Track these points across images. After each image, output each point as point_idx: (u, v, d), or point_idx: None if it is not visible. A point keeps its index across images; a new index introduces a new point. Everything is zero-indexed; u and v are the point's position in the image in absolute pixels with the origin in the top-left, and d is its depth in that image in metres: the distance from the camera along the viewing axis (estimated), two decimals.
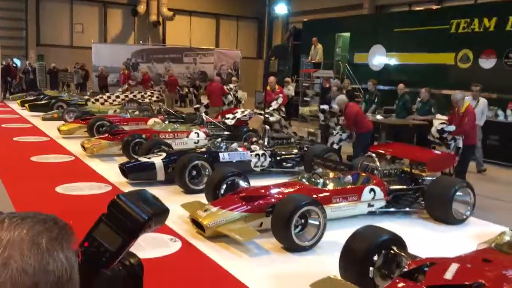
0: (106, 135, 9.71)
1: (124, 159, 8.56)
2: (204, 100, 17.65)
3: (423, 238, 5.61)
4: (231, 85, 14.77)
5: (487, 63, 13.37)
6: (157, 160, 7.52)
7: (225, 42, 29.35)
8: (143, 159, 7.62)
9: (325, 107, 9.98)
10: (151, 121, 11.49)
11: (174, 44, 25.55)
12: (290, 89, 16.93)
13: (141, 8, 25.76)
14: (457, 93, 8.36)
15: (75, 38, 25.72)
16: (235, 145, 8.46)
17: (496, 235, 4.02)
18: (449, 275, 3.38)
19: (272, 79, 12.68)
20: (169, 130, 10.24)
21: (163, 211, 0.91)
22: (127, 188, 6.11)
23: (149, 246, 4.98)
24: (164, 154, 7.71)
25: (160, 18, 26.64)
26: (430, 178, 6.73)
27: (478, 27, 13.53)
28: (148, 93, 16.63)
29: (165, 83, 18.83)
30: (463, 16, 13.86)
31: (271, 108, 11.36)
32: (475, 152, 9.68)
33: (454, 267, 3.46)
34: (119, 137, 9.36)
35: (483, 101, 9.82)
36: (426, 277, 3.39)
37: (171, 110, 13.64)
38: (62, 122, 12.48)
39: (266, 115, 10.70)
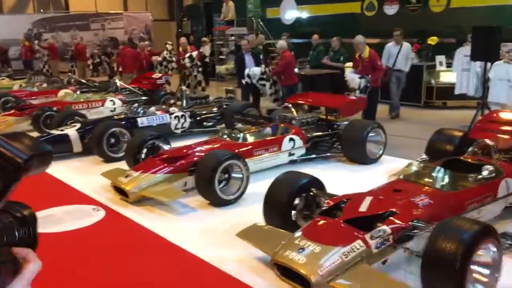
0: (13, 111, 9.11)
1: (36, 135, 8.11)
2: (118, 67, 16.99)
3: (341, 179, 5.91)
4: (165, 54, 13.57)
5: (391, 9, 13.94)
6: (71, 131, 7.22)
7: (133, 5, 28.03)
8: (55, 132, 7.27)
9: (250, 72, 9.90)
10: (61, 93, 10.91)
11: (79, 10, 24.08)
12: (206, 49, 16.71)
13: None
14: (359, 37, 8.73)
15: None
16: (153, 109, 8.29)
17: (403, 167, 4.31)
18: (363, 207, 3.61)
19: (183, 39, 12.42)
20: (81, 100, 9.79)
21: (45, 151, 0.87)
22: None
23: (70, 218, 4.86)
24: (78, 125, 7.41)
25: None
26: (345, 123, 7.02)
27: None
28: None
29: (73, 52, 17.82)
30: None
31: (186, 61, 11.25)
32: (392, 98, 10.20)
33: (368, 200, 3.71)
34: (27, 112, 8.83)
35: (406, 45, 10.10)
36: (343, 212, 3.60)
37: (82, 80, 13.00)
38: None
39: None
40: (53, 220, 4.73)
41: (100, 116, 8.81)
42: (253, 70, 9.94)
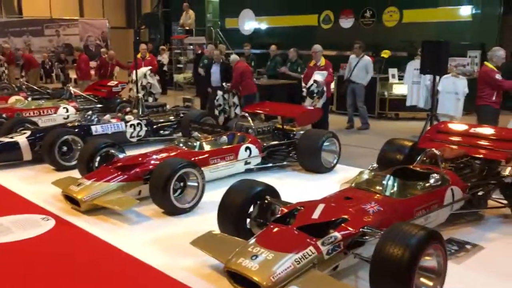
0: None
1: None
2: (73, 74, 16.63)
3: (296, 187, 6.00)
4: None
5: (346, 23, 14.32)
6: (21, 139, 6.98)
7: (90, 11, 27.51)
8: (5, 139, 7.01)
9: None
10: (12, 99, 10.52)
11: (33, 15, 23.40)
12: (164, 58, 16.61)
13: None
14: (317, 45, 9.01)
15: None
16: (107, 116, 8.14)
17: (355, 176, 4.42)
18: (316, 214, 3.67)
19: (143, 46, 12.30)
20: (33, 107, 9.49)
21: None
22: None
23: (18, 228, 4.69)
24: (28, 132, 7.18)
25: None
26: (301, 132, 7.13)
27: None
28: None
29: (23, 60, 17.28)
30: None
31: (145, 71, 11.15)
32: (347, 109, 10.42)
33: (320, 207, 3.77)
34: None
35: (365, 58, 10.23)
36: (296, 219, 3.65)
37: (34, 87, 12.61)
38: None
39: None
40: (0, 230, 4.54)
41: (53, 124, 8.57)
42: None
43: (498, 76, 7.11)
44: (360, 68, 10.16)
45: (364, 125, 10.30)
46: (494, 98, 7.16)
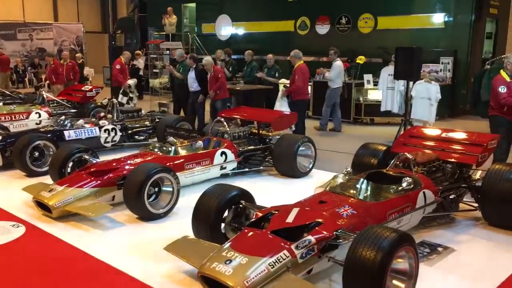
0: None
1: None
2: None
3: (272, 191, 6.02)
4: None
5: (322, 29, 14.46)
6: None
7: (65, 15, 27.18)
8: None
9: None
10: None
11: (5, 19, 22.97)
12: (140, 62, 16.49)
13: None
14: (294, 50, 9.06)
15: None
16: (81, 121, 8.01)
17: (329, 179, 4.45)
18: (290, 218, 3.68)
19: (128, 53, 12.26)
20: (4, 112, 9.29)
21: None
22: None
23: None
24: None
25: None
26: (277, 137, 7.15)
27: None
28: None
29: None
30: None
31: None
32: (334, 113, 10.58)
33: (295, 211, 3.78)
34: None
35: (336, 64, 10.50)
36: (270, 223, 3.65)
37: (6, 91, 12.35)
38: None
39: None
40: None
41: (25, 129, 8.40)
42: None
43: (502, 89, 6.34)
44: (334, 72, 10.45)
45: (321, 125, 10.67)
46: (505, 108, 6.37)
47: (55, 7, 27.26)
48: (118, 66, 11.44)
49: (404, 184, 4.36)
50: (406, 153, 4.95)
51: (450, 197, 5.05)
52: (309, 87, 9.71)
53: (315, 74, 12.06)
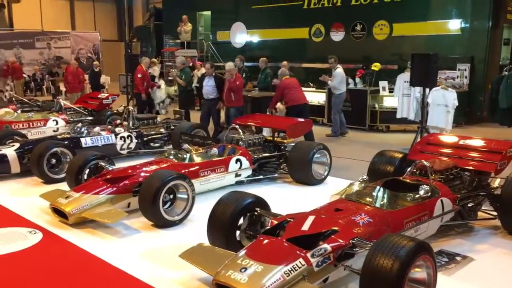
0: None
1: None
2: (63, 86, 16.60)
3: (287, 199, 5.98)
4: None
5: (337, 36, 14.43)
6: (9, 151, 6.92)
7: (82, 24, 27.57)
8: None
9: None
10: (1, 112, 10.44)
11: (24, 28, 23.37)
12: (155, 70, 16.61)
13: None
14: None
15: None
16: (97, 129, 8.09)
17: (345, 187, 4.41)
18: (306, 226, 3.65)
19: (147, 60, 12.51)
20: (22, 119, 9.43)
21: None
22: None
23: (3, 242, 4.61)
24: (17, 145, 7.11)
25: (5, 1, 24.11)
26: (291, 144, 7.13)
27: (327, 2, 14.50)
28: None
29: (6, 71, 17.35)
30: None
31: None
32: (332, 119, 10.65)
33: (310, 219, 3.75)
34: None
35: (338, 71, 10.64)
36: (286, 231, 3.63)
37: (24, 99, 12.54)
38: None
39: None
40: None
41: (42, 136, 8.51)
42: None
43: None
44: (336, 80, 10.67)
45: (333, 133, 10.82)
46: None
47: (72, 16, 27.68)
48: (139, 75, 11.55)
49: (421, 192, 4.31)
50: (423, 161, 4.89)
51: (469, 205, 4.97)
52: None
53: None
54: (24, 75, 19.07)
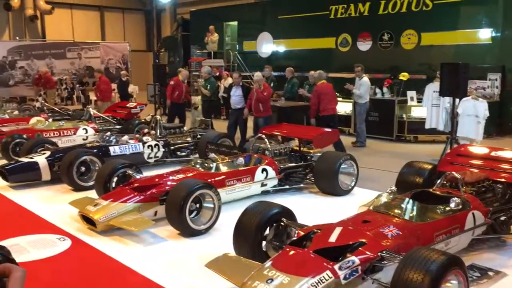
0: None
1: (4, 162, 7.90)
2: (93, 96, 16.93)
3: (313, 209, 5.92)
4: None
5: (364, 45, 14.33)
6: (41, 159, 7.07)
7: (111, 35, 28.18)
8: (24, 159, 7.12)
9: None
10: (33, 120, 10.72)
11: (56, 39, 24.01)
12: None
13: (15, 2, 23.77)
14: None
15: None
16: (125, 137, 8.21)
17: (373, 198, 4.34)
18: (333, 238, 3.60)
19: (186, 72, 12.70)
20: (53, 128, 9.65)
21: None
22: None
23: (34, 248, 4.70)
24: (48, 153, 7.27)
25: (38, 12, 24.85)
26: (318, 154, 7.07)
27: (355, 12, 14.43)
28: None
29: (38, 80, 17.82)
30: (340, 1, 14.66)
31: None
32: (357, 128, 10.57)
33: (337, 230, 3.70)
34: None
35: (364, 80, 10.60)
36: (312, 242, 3.59)
37: (55, 108, 12.84)
38: None
39: None
40: (16, 250, 4.56)
41: (72, 144, 8.68)
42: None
43: None
44: (363, 89, 10.62)
45: (359, 143, 10.70)
46: None
47: (102, 27, 28.32)
48: (172, 82, 11.68)
49: (452, 205, 4.20)
50: (453, 172, 4.78)
51: (501, 218, 4.82)
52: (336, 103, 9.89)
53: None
54: (56, 83, 19.57)
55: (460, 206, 4.23)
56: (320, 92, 9.25)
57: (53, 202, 6.34)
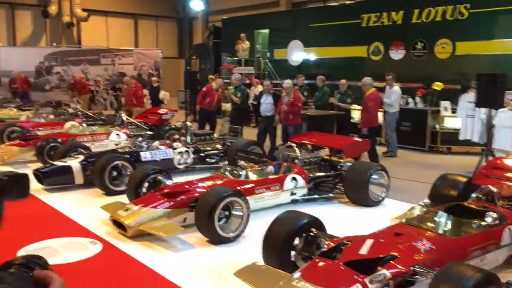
0: (17, 141, 9.16)
1: (39, 165, 8.09)
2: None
3: (343, 220, 5.84)
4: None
5: (396, 54, 14.14)
6: (74, 163, 7.22)
7: (144, 42, 28.72)
8: (59, 163, 7.27)
9: None
10: (67, 125, 10.97)
11: (91, 45, 24.60)
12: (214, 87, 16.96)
13: (52, 9, 24.52)
14: (365, 78, 9.09)
15: None
16: (156, 143, 8.31)
17: (406, 211, 4.25)
18: (364, 250, 3.53)
19: (220, 80, 12.86)
20: (87, 132, 9.86)
21: (19, 174, 0.88)
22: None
23: (66, 251, 4.78)
24: (81, 157, 7.42)
25: (74, 19, 25.55)
26: (348, 164, 6.99)
27: (387, 21, 14.27)
28: None
29: (73, 85, 18.30)
30: (373, 10, 14.52)
31: None
32: (389, 138, 10.43)
33: (368, 242, 3.63)
34: (32, 142, 8.87)
35: (395, 89, 10.47)
36: (343, 254, 3.53)
37: (89, 113, 13.13)
38: None
39: None
40: (48, 252, 4.64)
41: (104, 149, 8.83)
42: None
43: None
44: (395, 97, 10.57)
45: (390, 152, 10.60)
46: None
47: (136, 34, 28.89)
48: (204, 89, 11.80)
49: (488, 219, 4.08)
50: (489, 186, 4.65)
51: None
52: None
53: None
54: (91, 89, 20.06)
55: (497, 221, 4.10)
56: (379, 101, 9.17)
57: (85, 206, 6.45)
